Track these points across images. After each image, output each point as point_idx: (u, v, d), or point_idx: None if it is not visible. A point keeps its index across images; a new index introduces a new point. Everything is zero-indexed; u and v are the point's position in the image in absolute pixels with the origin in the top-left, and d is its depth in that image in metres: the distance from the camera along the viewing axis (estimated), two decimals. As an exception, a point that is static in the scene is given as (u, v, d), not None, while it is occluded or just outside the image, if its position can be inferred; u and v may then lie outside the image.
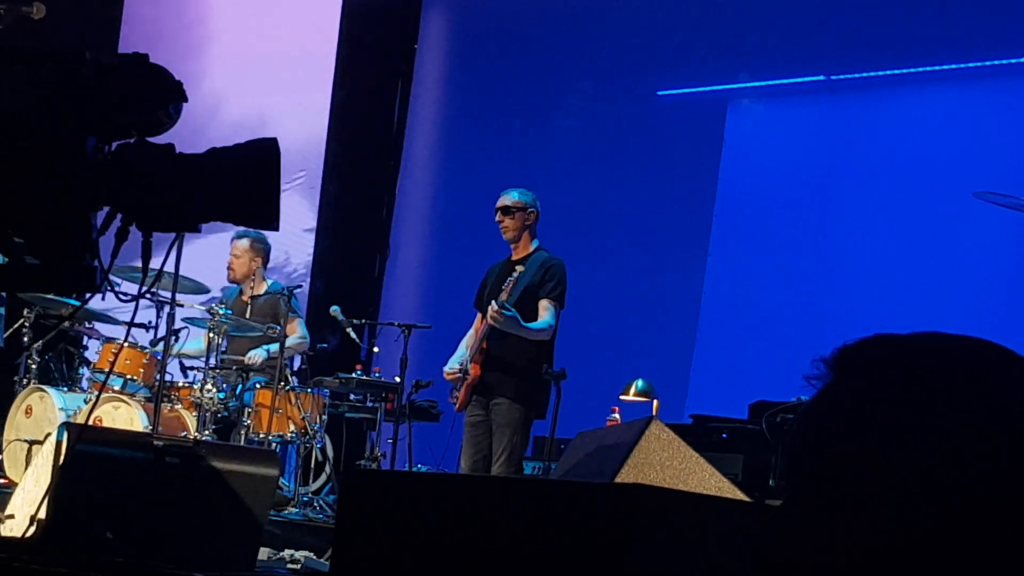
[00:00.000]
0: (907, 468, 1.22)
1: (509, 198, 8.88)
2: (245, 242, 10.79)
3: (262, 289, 10.77)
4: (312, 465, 11.02)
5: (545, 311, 8.59)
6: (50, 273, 2.67)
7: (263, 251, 10.88)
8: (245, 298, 10.81)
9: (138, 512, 6.06)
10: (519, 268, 8.52)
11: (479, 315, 8.87)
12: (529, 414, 8.57)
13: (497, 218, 8.87)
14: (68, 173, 2.54)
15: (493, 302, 8.38)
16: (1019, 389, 1.25)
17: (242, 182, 2.63)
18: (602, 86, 13.72)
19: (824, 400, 1.32)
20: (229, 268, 10.88)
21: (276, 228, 2.68)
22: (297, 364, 11.09)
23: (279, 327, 10.20)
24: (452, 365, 8.80)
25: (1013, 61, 11.79)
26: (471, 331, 8.98)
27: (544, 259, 8.73)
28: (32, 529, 6.02)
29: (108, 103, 2.59)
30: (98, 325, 10.57)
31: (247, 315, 10.55)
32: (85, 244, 2.56)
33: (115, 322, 10.38)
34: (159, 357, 9.80)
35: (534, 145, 13.83)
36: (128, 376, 9.97)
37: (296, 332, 10.69)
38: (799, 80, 13.01)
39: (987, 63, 11.93)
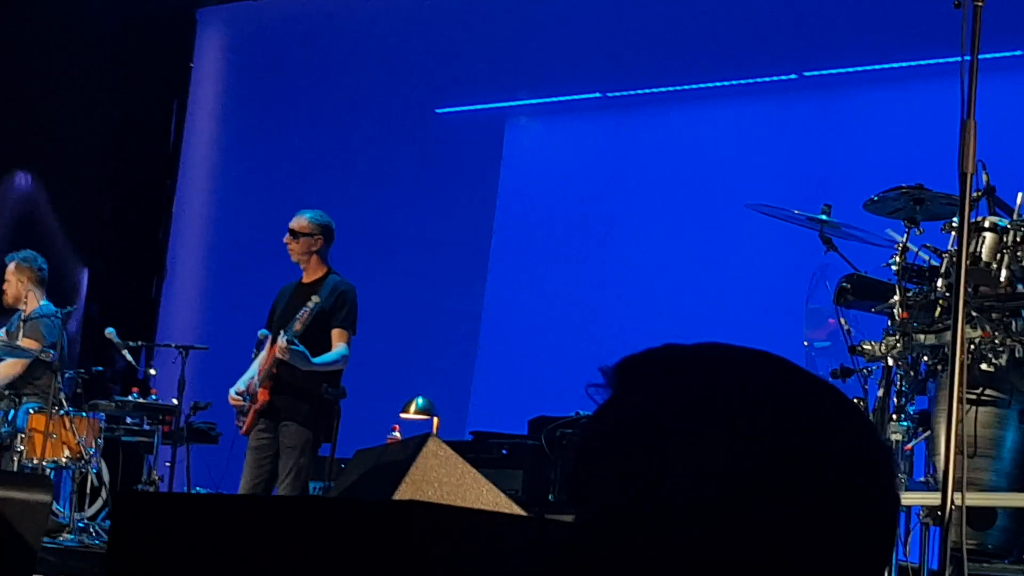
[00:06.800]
0: (696, 479, 1.22)
1: (298, 221, 8.69)
2: (11, 265, 10.62)
3: (32, 309, 10.51)
4: (88, 490, 10.83)
5: (339, 340, 8.46)
6: None
7: (28, 270, 10.64)
8: (24, 318, 10.57)
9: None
10: (315, 298, 8.32)
11: (271, 337, 8.62)
12: (318, 437, 8.46)
13: (285, 239, 8.67)
14: None
15: (282, 335, 8.24)
16: (801, 399, 1.26)
17: None
18: (380, 104, 13.70)
19: (609, 413, 1.30)
20: (3, 292, 10.65)
21: None
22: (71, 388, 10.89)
23: (54, 352, 9.99)
24: (239, 386, 8.58)
25: (775, 79, 12.10)
26: (264, 352, 8.71)
27: (335, 284, 8.58)
28: None
29: None
30: None
31: (20, 337, 10.33)
32: None
33: None
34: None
35: (312, 164, 13.76)
36: None
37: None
38: (576, 97, 13.17)
39: (751, 80, 12.21)
